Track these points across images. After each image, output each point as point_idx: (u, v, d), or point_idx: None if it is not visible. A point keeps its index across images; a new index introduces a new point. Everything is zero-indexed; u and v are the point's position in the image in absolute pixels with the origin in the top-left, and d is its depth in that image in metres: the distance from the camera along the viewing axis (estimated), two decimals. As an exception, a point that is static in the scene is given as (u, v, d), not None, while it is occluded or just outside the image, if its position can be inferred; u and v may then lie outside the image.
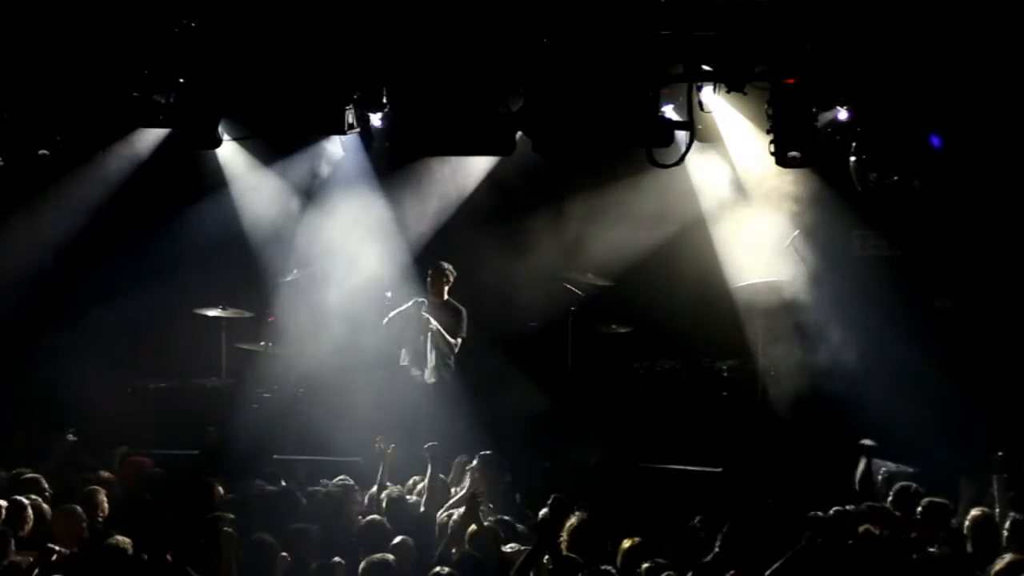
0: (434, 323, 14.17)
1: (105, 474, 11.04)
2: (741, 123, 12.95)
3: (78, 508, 9.38)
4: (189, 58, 11.15)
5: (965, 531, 9.28)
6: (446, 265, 14.50)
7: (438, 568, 8.34)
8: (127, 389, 15.02)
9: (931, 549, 8.97)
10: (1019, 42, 10.82)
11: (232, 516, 9.90)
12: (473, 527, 9.15)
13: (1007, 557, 8.27)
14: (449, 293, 14.53)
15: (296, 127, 12.42)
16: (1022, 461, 10.94)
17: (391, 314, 14.30)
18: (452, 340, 14.25)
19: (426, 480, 10.66)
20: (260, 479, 11.68)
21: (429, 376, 14.27)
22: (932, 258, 14.33)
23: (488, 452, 11.30)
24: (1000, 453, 10.25)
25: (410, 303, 14.23)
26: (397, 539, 9.10)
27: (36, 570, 8.28)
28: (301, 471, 12.47)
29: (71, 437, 12.55)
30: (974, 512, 9.45)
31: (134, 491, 11.23)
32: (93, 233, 15.14)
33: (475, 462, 11.01)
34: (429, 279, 14.50)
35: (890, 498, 9.90)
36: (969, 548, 8.92)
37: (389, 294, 14.53)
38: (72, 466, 11.89)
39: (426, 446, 10.86)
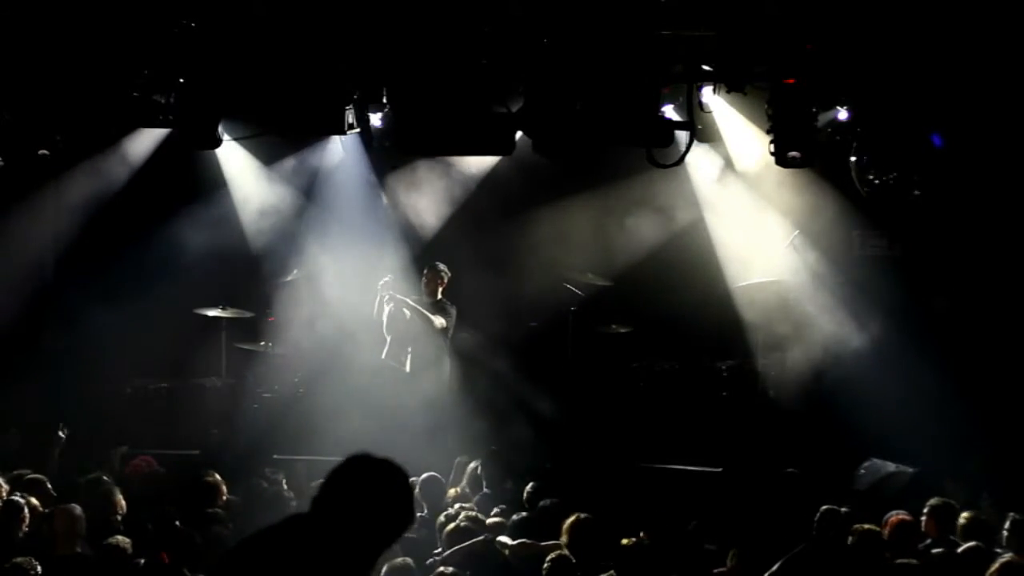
0: (403, 298, 14.21)
1: (105, 476, 11.01)
2: (741, 123, 12.94)
3: (78, 508, 9.37)
4: (189, 58, 11.14)
5: (958, 533, 9.30)
6: (441, 266, 14.52)
7: (442, 568, 8.33)
8: (127, 389, 15.02)
9: (936, 550, 8.96)
10: (1019, 42, 10.81)
11: (229, 516, 9.93)
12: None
13: (1005, 557, 8.28)
14: (444, 293, 14.54)
15: (296, 127, 12.41)
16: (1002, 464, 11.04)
17: (375, 309, 14.33)
18: (432, 317, 14.25)
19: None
20: (260, 479, 11.68)
21: (408, 364, 14.29)
22: (932, 258, 14.33)
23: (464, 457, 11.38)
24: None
25: (380, 292, 14.28)
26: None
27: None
28: (301, 471, 12.47)
29: (61, 434, 12.54)
30: (965, 515, 9.46)
31: (136, 490, 11.23)
32: (93, 233, 15.14)
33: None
34: (424, 279, 14.52)
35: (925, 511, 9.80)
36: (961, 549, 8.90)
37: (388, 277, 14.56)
38: (71, 467, 11.89)
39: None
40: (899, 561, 8.44)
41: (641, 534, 9.34)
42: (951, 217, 13.72)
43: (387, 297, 14.28)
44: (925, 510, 9.66)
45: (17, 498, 9.69)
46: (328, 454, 13.46)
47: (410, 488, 4.54)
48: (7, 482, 10.35)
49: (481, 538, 9.09)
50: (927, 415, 12.53)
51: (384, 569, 8.18)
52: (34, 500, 10.00)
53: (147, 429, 14.03)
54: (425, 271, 14.58)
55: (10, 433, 13.03)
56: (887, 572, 8.52)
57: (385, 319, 14.29)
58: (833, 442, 13.08)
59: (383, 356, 14.28)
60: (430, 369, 14.31)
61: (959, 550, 8.72)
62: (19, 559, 8.11)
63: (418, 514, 10.27)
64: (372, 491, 4.41)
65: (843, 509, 9.75)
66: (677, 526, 9.95)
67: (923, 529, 9.53)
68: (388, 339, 14.32)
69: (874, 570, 8.66)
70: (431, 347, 14.34)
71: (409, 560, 8.42)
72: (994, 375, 13.38)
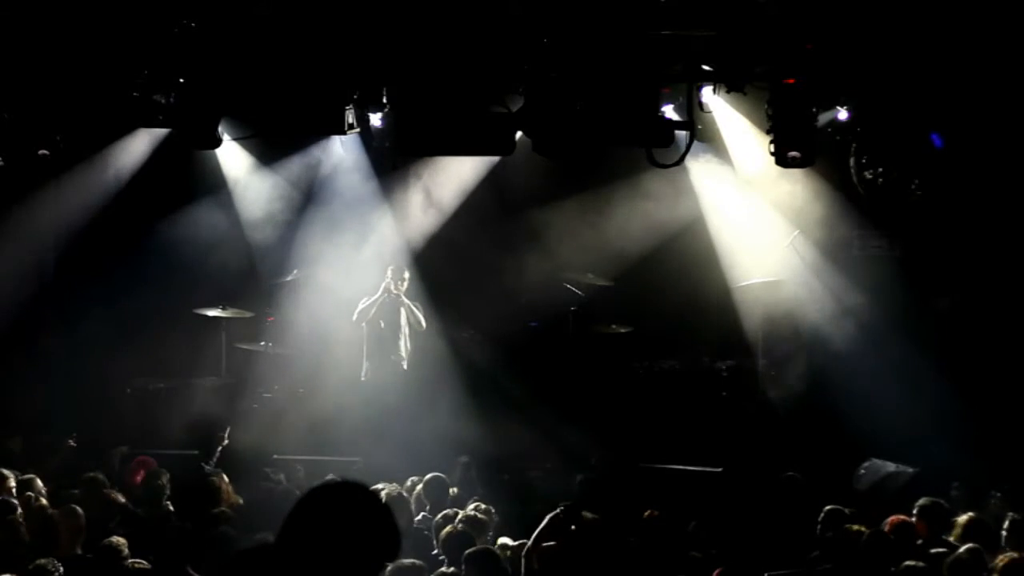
0: (406, 300, 14.32)
1: (100, 475, 11.00)
2: (741, 123, 12.93)
3: (79, 509, 9.37)
4: (189, 58, 11.13)
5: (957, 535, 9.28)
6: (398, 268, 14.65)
7: (443, 568, 8.31)
8: (127, 389, 15.02)
9: (937, 550, 8.92)
10: (1019, 42, 10.81)
11: (233, 514, 9.93)
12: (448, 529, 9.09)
13: (1006, 555, 8.25)
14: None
15: (296, 127, 12.41)
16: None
17: (362, 306, 14.37)
18: (421, 318, 14.37)
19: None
20: (260, 479, 11.68)
21: (405, 358, 14.39)
22: (932, 258, 14.32)
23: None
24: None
25: (380, 291, 14.34)
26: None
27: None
28: (301, 471, 12.47)
29: (72, 443, 12.61)
30: (964, 516, 9.44)
31: (137, 490, 11.23)
32: (93, 233, 15.13)
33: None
34: (398, 280, 14.57)
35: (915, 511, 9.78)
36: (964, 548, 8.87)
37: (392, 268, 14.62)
38: (72, 468, 11.90)
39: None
40: (906, 564, 8.40)
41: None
42: (951, 217, 13.70)
43: (389, 294, 14.36)
44: (914, 511, 9.61)
45: (11, 499, 9.70)
46: (328, 454, 13.50)
47: (387, 516, 4.11)
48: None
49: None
50: (928, 415, 12.53)
51: (390, 569, 8.13)
52: (43, 500, 10.02)
53: (147, 429, 14.03)
54: (398, 271, 14.62)
55: (15, 442, 13.00)
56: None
57: (356, 315, 14.36)
58: (833, 442, 13.08)
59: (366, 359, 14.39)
60: (422, 367, 14.38)
61: (959, 551, 8.69)
62: (42, 560, 8.10)
63: (423, 514, 10.30)
64: (345, 524, 4.05)
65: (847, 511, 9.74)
66: (677, 526, 9.95)
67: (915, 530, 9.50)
68: (379, 336, 14.39)
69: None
70: (417, 347, 14.49)
71: (419, 562, 8.37)
72: (995, 375, 13.37)
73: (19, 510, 9.51)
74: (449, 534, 8.90)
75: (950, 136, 11.68)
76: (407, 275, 14.64)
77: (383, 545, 4.10)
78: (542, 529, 8.60)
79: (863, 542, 8.76)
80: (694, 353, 15.15)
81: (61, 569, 8.00)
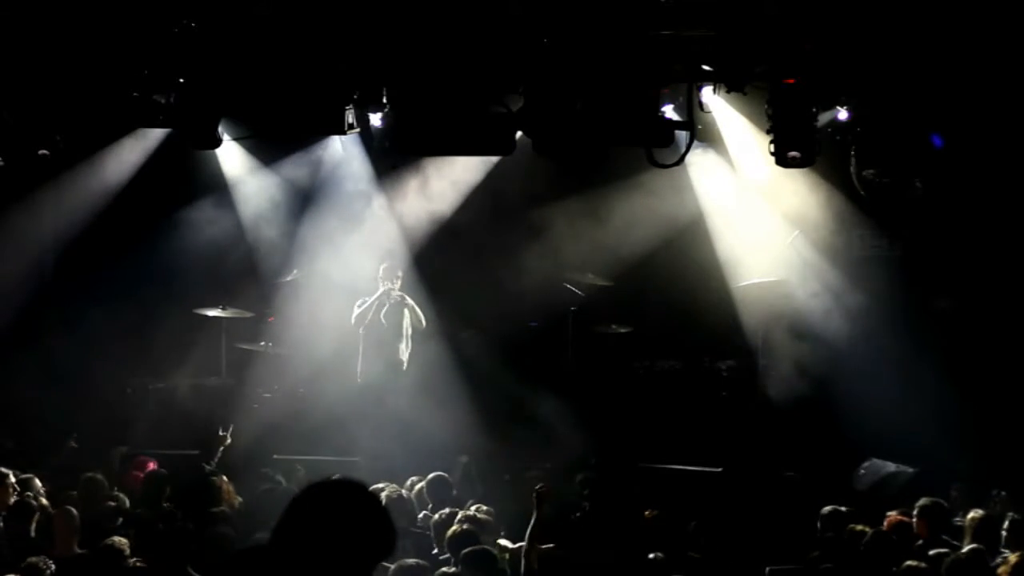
0: (410, 301, 14.30)
1: (99, 475, 11.00)
2: (741, 123, 12.93)
3: (73, 509, 9.37)
4: (189, 58, 11.12)
5: (965, 532, 9.27)
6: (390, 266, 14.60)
7: (444, 568, 8.30)
8: (127, 389, 15.01)
9: (937, 551, 8.91)
10: (1019, 42, 10.80)
11: (233, 514, 9.94)
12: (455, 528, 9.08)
13: (1012, 556, 8.25)
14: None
15: (296, 127, 12.40)
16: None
17: (358, 309, 14.35)
18: (421, 315, 14.37)
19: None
20: (260, 479, 11.68)
21: (406, 358, 14.38)
22: (932, 258, 14.32)
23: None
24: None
25: (380, 291, 14.32)
26: None
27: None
28: (301, 471, 12.47)
29: (72, 443, 12.61)
30: (973, 514, 9.44)
31: (137, 490, 11.23)
32: (93, 233, 15.13)
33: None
34: (393, 277, 14.53)
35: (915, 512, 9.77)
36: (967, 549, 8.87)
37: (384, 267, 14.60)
38: (72, 468, 11.90)
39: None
40: (907, 563, 8.39)
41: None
42: (952, 217, 13.71)
43: (391, 296, 14.34)
44: (915, 511, 9.60)
45: (30, 500, 9.72)
46: (328, 454, 13.49)
47: (383, 514, 4.09)
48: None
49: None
50: (928, 415, 12.53)
51: (393, 568, 8.12)
52: (44, 500, 10.02)
53: (147, 429, 14.02)
54: (391, 269, 14.59)
55: (7, 445, 13.01)
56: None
57: (354, 318, 14.34)
58: (833, 442, 13.08)
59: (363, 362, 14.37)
60: (422, 366, 14.38)
61: (960, 551, 8.69)
62: (33, 559, 8.11)
63: (424, 512, 10.30)
64: (339, 521, 4.01)
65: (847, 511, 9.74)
66: (677, 526, 9.95)
67: (915, 531, 9.49)
68: (380, 338, 14.37)
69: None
70: (417, 346, 14.49)
71: (423, 562, 8.36)
72: (995, 374, 13.37)
73: (37, 514, 9.53)
74: (455, 534, 8.89)
75: (950, 136, 11.67)
76: (400, 273, 14.61)
77: (378, 543, 4.07)
78: (533, 525, 8.61)
79: (865, 542, 8.75)
80: (694, 353, 15.14)
81: (52, 568, 8.00)
